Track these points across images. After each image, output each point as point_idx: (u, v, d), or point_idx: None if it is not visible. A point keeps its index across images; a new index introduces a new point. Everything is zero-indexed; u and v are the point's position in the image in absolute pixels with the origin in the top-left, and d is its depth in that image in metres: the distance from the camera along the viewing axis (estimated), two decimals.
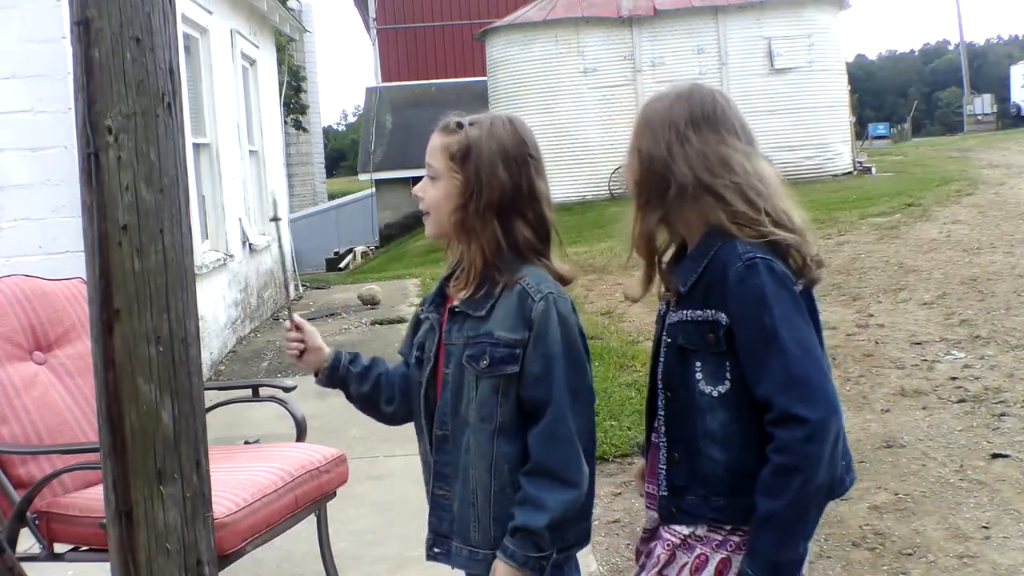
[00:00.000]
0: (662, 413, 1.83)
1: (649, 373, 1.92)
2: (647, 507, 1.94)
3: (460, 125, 1.89)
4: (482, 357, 1.85)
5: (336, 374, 2.05)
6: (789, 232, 1.73)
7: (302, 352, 2.04)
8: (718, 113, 1.83)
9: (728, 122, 1.84)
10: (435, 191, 1.91)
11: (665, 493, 1.83)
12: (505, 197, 1.87)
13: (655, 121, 1.81)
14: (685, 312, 1.77)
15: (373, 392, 2.06)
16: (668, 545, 1.82)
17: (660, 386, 1.84)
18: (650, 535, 1.92)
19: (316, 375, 2.08)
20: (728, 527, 1.76)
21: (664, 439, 1.83)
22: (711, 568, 1.77)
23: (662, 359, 1.83)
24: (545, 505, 1.80)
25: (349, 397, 2.09)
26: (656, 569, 1.84)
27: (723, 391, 1.73)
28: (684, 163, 1.77)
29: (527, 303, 1.83)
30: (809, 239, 1.76)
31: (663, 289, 1.87)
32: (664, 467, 1.83)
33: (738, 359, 1.70)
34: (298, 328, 2.04)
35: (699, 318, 1.74)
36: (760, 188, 1.78)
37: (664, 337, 1.83)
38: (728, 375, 1.72)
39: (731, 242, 1.72)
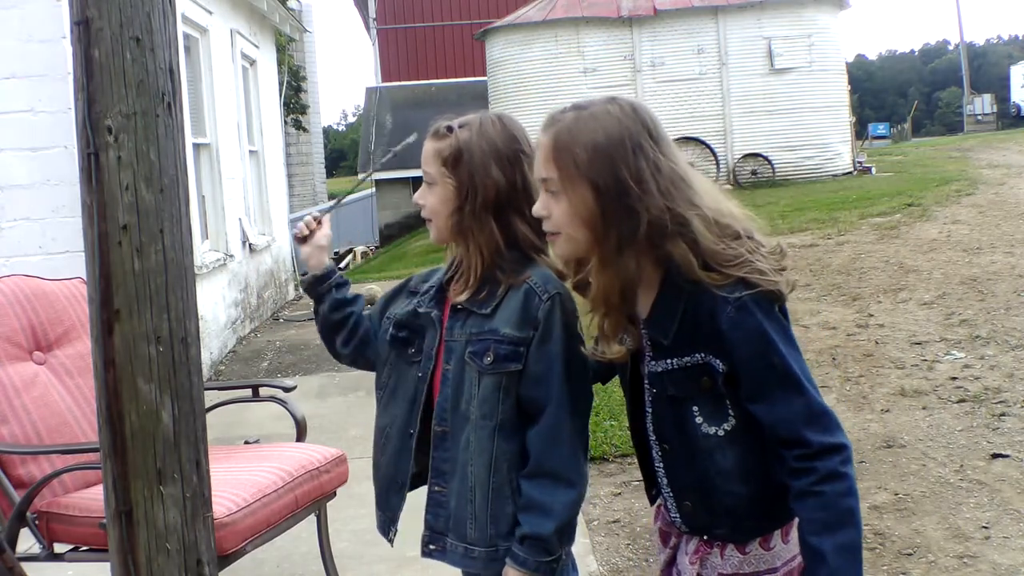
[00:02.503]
0: (660, 465, 1.73)
1: (630, 423, 1.81)
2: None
3: (450, 129, 1.90)
4: (486, 354, 1.84)
5: (319, 286, 2.09)
6: (759, 274, 1.58)
7: (305, 239, 2.09)
8: (661, 127, 1.63)
9: (668, 136, 1.65)
10: (433, 197, 1.92)
11: (687, 531, 1.75)
12: (501, 196, 1.87)
13: (609, 145, 1.57)
14: (670, 361, 1.64)
15: (338, 325, 2.09)
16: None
17: (652, 438, 1.72)
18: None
19: (304, 275, 2.13)
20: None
21: (669, 490, 1.73)
22: (755, 542, 1.70)
23: (649, 410, 1.71)
24: (551, 510, 1.81)
25: (316, 313, 2.13)
26: (697, 562, 1.74)
27: (728, 428, 1.64)
28: (657, 192, 1.56)
29: (534, 302, 1.84)
30: (769, 254, 1.63)
31: (610, 338, 1.70)
32: (677, 516, 1.73)
33: (738, 396, 1.61)
34: (319, 223, 2.10)
35: (688, 364, 1.62)
36: (725, 211, 1.62)
37: (648, 387, 1.70)
38: (731, 412, 1.63)
39: (703, 285, 1.57)
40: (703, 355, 1.61)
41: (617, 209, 1.58)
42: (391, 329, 2.01)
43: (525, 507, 1.83)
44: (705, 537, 1.72)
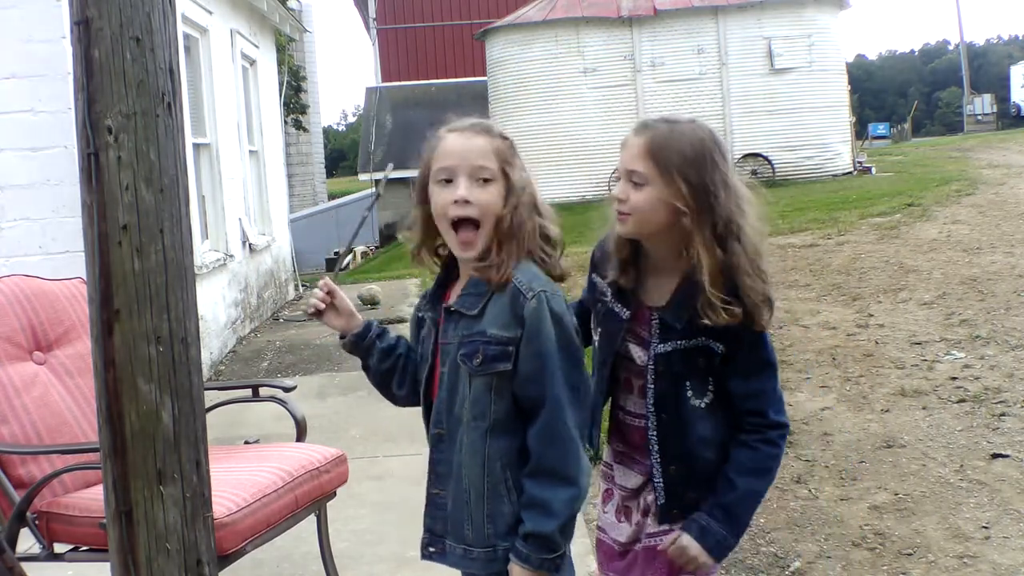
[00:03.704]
0: (654, 434, 2.02)
1: (607, 395, 2.11)
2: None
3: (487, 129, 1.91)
4: (475, 355, 1.85)
5: (362, 343, 2.06)
6: (763, 303, 1.92)
7: (320, 312, 2.04)
8: (729, 154, 2.00)
9: (731, 161, 2.01)
10: (487, 195, 1.86)
11: (663, 501, 2.03)
12: (535, 196, 1.90)
13: (696, 156, 1.91)
14: (677, 343, 1.97)
15: (390, 372, 2.06)
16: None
17: (652, 410, 2.01)
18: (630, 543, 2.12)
19: (342, 337, 2.08)
20: None
21: (658, 457, 2.02)
22: None
23: (651, 386, 2.01)
24: (552, 508, 1.82)
25: (366, 369, 2.09)
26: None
27: (708, 401, 2.00)
28: (726, 201, 1.91)
29: (519, 301, 1.83)
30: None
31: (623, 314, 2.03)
32: (661, 480, 2.02)
33: (718, 375, 1.98)
34: (330, 293, 2.04)
35: (693, 346, 1.96)
36: (759, 242, 1.95)
37: (653, 367, 2.00)
38: (711, 387, 2.00)
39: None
40: (704, 339, 1.95)
41: (700, 204, 1.91)
42: (419, 349, 2.02)
43: (527, 505, 1.84)
44: (675, 512, 2.02)
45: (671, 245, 1.96)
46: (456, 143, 1.86)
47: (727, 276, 1.90)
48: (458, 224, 1.86)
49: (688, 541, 1.96)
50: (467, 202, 1.84)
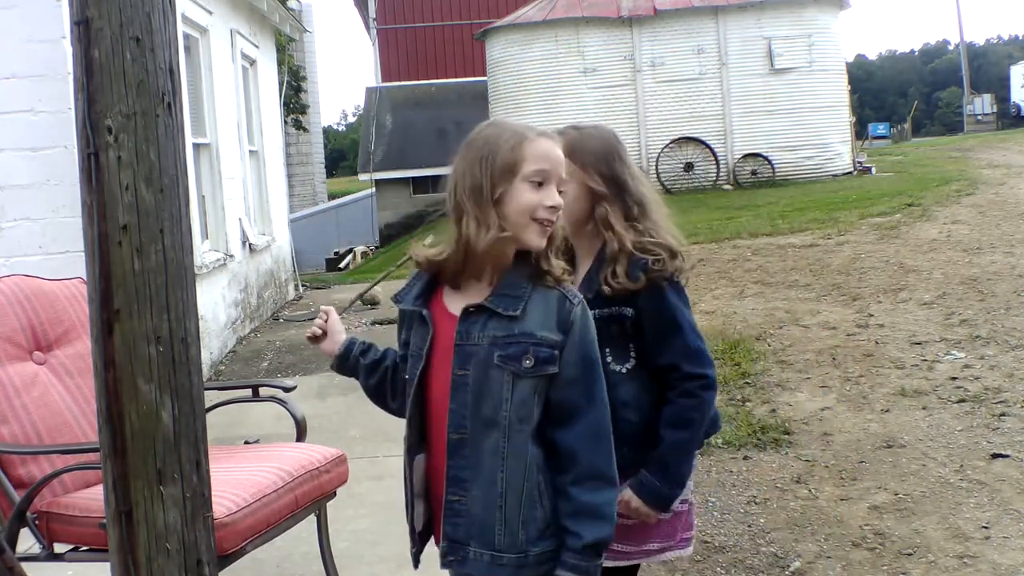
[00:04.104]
0: None
1: None
2: None
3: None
4: (525, 357, 1.81)
5: (346, 363, 2.11)
6: (659, 268, 2.14)
7: (317, 338, 2.13)
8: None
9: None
10: (563, 202, 1.95)
11: None
12: None
13: (605, 152, 2.24)
14: (592, 312, 2.08)
15: (380, 386, 2.08)
16: None
17: None
18: None
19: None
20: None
21: None
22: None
23: None
24: (604, 511, 1.82)
25: (363, 386, 2.13)
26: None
27: (629, 367, 2.18)
28: (635, 187, 2.23)
29: (565, 306, 1.85)
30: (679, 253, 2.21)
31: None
32: None
33: (639, 341, 2.17)
34: (327, 319, 2.12)
35: (606, 315, 2.14)
36: (662, 213, 2.27)
37: None
38: (632, 353, 2.18)
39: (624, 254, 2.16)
40: (617, 308, 2.15)
41: (613, 192, 2.22)
42: (403, 351, 2.01)
43: (577, 513, 1.81)
44: None
45: (590, 234, 2.23)
46: (552, 149, 1.88)
47: (639, 246, 2.15)
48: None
49: (629, 494, 2.15)
50: (557, 209, 1.88)
